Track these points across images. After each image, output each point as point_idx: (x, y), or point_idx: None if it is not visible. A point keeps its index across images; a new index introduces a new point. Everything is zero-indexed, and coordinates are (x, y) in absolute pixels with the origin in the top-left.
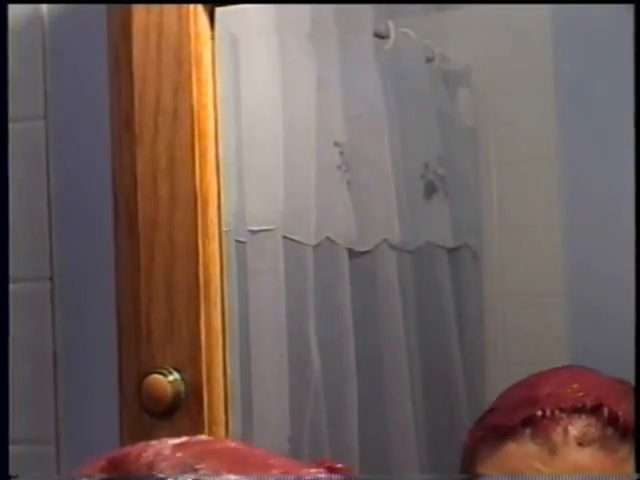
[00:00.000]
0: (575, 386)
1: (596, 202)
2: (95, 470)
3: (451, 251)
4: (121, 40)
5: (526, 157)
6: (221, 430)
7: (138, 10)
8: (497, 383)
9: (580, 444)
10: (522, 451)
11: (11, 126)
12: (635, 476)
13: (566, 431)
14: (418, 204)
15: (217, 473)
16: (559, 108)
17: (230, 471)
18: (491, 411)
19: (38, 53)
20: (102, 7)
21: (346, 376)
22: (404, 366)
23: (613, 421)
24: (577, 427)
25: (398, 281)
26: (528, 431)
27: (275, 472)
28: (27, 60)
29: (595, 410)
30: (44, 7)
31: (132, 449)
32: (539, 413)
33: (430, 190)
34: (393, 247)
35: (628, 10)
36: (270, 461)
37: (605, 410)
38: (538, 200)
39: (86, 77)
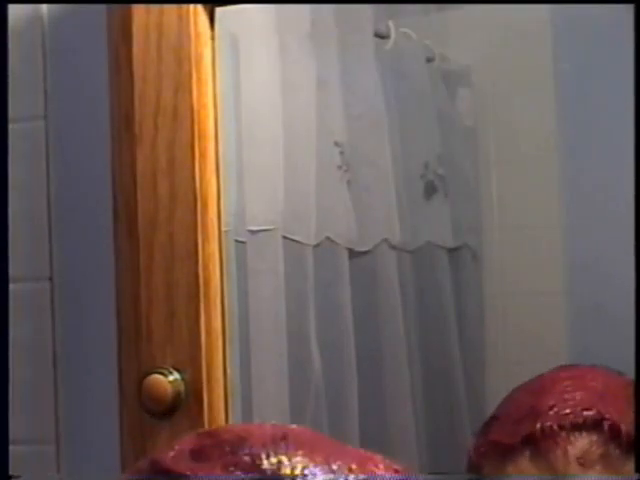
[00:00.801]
0: (578, 396)
1: (596, 202)
2: (191, 440)
3: (451, 251)
4: (121, 40)
5: (526, 157)
6: None
7: (138, 10)
8: (497, 383)
9: (582, 465)
10: (523, 474)
11: (11, 126)
12: (635, 476)
13: (566, 452)
14: (418, 204)
15: (299, 450)
16: (559, 108)
17: (311, 451)
18: (495, 419)
19: (38, 53)
20: (102, 7)
21: (346, 376)
22: (404, 366)
23: (615, 437)
24: (577, 447)
25: (398, 281)
26: (528, 452)
27: (351, 459)
28: (27, 60)
29: (596, 425)
30: (44, 7)
31: (225, 425)
32: (538, 430)
33: (430, 190)
34: (393, 247)
35: (628, 10)
36: (346, 448)
37: (606, 425)
38: (538, 200)
39: (86, 77)
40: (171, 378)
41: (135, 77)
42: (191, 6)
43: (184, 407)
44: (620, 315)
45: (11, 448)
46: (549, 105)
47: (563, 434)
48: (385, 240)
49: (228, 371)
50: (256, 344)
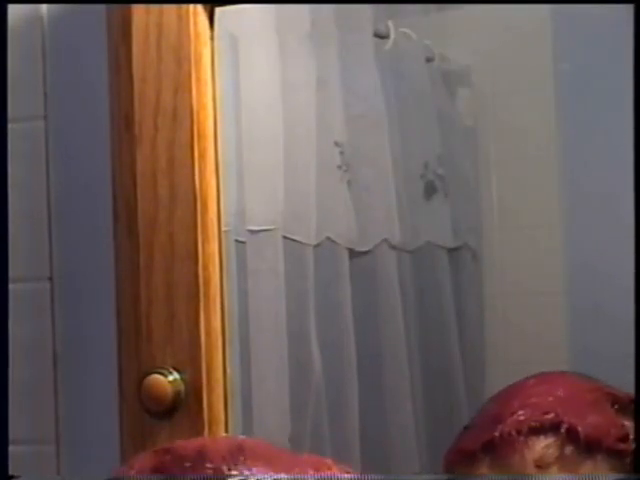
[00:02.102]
0: (540, 401)
1: (596, 202)
2: (149, 458)
3: (451, 251)
4: (121, 40)
5: (526, 157)
6: (221, 430)
7: (138, 10)
8: (497, 383)
9: (539, 467)
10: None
11: (11, 126)
12: (635, 476)
13: (523, 456)
14: (418, 204)
15: (257, 462)
16: (559, 108)
17: (270, 461)
18: (466, 429)
19: (38, 53)
20: (102, 7)
21: (346, 376)
22: (404, 366)
23: (573, 438)
24: (534, 450)
25: (398, 281)
26: (487, 459)
27: (307, 465)
28: (27, 60)
29: (553, 428)
30: (44, 7)
31: (180, 442)
32: (497, 436)
33: (430, 190)
34: (393, 247)
35: (628, 10)
36: (298, 456)
37: (563, 427)
38: (538, 200)
39: (86, 77)
40: (171, 378)
41: (135, 77)
42: (191, 6)
43: (184, 407)
44: (620, 315)
45: (11, 448)
46: (549, 105)
47: (521, 439)
48: (385, 240)
49: (228, 371)
50: (256, 344)
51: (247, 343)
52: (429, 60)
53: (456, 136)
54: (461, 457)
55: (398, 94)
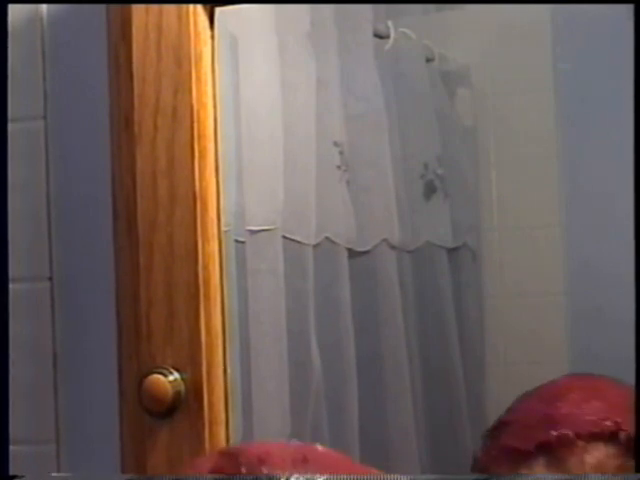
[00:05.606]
0: (594, 405)
1: (596, 202)
2: (211, 457)
3: (451, 251)
4: (121, 40)
5: (526, 157)
6: (221, 430)
7: (137, 10)
8: (497, 383)
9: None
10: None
11: (11, 126)
12: (635, 476)
13: (582, 461)
14: (418, 204)
15: (321, 473)
16: (559, 108)
17: (334, 473)
18: (506, 424)
19: (38, 53)
20: (102, 7)
21: (346, 376)
22: (404, 366)
23: (631, 448)
24: (594, 456)
25: (398, 281)
26: (543, 459)
27: None
28: (27, 60)
29: (613, 436)
30: (44, 7)
31: (246, 445)
32: (555, 437)
33: (430, 190)
34: (393, 247)
35: (628, 10)
36: (370, 471)
37: (622, 436)
38: (538, 200)
39: (86, 77)
40: (171, 378)
41: (135, 77)
42: (191, 6)
43: (184, 407)
44: (620, 315)
45: (11, 448)
46: (549, 105)
47: (580, 443)
48: (385, 240)
49: (228, 371)
50: (256, 344)
51: (247, 343)
52: (429, 60)
53: (456, 136)
54: (509, 454)
55: (398, 94)
